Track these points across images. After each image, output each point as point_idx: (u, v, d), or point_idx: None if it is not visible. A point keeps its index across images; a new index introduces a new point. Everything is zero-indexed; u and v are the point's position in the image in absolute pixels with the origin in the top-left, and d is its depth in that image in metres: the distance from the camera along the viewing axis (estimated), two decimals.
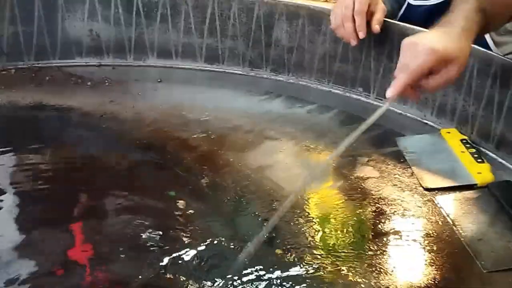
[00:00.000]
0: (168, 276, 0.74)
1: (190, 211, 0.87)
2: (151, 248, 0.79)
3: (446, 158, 0.99)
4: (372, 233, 0.84)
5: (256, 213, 0.88)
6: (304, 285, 0.73)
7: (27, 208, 0.87)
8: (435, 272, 0.76)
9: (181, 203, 0.89)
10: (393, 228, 0.85)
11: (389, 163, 1.01)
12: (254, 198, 0.92)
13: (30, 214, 0.86)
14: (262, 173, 0.97)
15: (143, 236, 0.81)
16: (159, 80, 1.26)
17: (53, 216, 0.86)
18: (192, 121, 1.12)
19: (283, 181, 0.96)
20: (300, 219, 0.87)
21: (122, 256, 0.78)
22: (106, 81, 1.24)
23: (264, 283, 0.73)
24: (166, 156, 1.01)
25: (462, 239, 0.82)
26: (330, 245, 0.82)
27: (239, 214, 0.89)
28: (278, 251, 0.80)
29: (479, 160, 0.98)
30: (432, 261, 0.79)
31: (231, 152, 1.02)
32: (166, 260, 0.76)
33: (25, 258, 0.77)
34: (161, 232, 0.82)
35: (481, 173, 0.95)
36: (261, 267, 0.76)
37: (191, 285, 0.73)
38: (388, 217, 0.88)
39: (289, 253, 0.79)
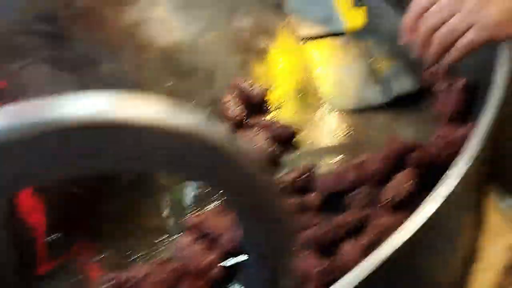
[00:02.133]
0: None
1: None
2: None
3: (325, 4, 0.98)
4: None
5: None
6: None
7: None
8: None
9: None
10: None
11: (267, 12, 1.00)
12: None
13: None
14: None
15: None
16: None
17: None
18: None
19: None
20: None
21: None
22: None
23: None
24: None
25: (316, 82, 0.86)
26: None
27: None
28: None
29: (359, 2, 0.97)
30: None
31: (109, 7, 1.01)
32: None
33: None
34: None
35: (354, 19, 0.95)
36: None
37: None
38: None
39: None
